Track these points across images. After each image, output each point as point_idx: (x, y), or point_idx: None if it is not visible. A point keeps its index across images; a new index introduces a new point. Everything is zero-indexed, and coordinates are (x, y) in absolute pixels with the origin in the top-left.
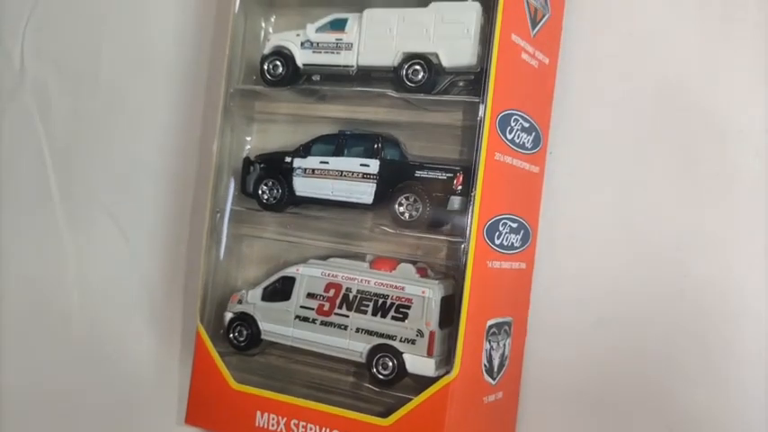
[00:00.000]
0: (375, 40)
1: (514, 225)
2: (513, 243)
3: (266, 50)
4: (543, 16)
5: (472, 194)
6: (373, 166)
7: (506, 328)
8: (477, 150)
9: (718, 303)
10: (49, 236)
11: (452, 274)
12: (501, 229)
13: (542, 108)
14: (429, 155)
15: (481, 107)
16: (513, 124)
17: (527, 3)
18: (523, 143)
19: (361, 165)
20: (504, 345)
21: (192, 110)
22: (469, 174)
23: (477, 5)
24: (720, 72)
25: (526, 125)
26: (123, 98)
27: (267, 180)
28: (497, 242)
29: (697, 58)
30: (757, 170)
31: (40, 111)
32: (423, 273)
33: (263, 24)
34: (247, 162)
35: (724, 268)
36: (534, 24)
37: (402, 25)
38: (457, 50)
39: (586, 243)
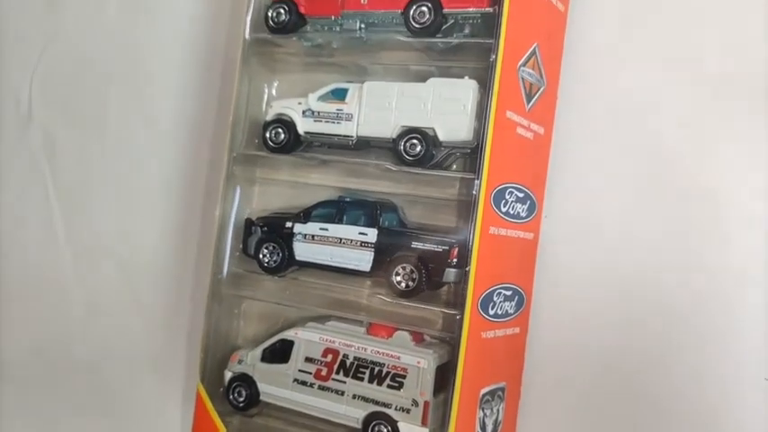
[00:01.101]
0: (374, 112)
1: (509, 293)
2: (507, 311)
3: (268, 117)
4: (538, 89)
5: (466, 270)
6: (371, 234)
7: (500, 393)
8: (471, 225)
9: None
10: (54, 280)
11: (447, 340)
12: (495, 299)
13: (537, 176)
14: (426, 222)
15: (476, 182)
16: (507, 197)
17: (522, 79)
18: (518, 213)
19: (360, 233)
20: (498, 410)
21: (196, 165)
22: (464, 247)
23: (474, 84)
24: (713, 142)
25: (521, 195)
26: (129, 148)
27: (268, 244)
28: (491, 312)
29: (690, 128)
30: (749, 240)
31: (47, 155)
32: (418, 339)
33: (266, 88)
34: (249, 223)
35: (714, 332)
36: (529, 99)
37: (401, 99)
38: (454, 126)
39: (580, 304)
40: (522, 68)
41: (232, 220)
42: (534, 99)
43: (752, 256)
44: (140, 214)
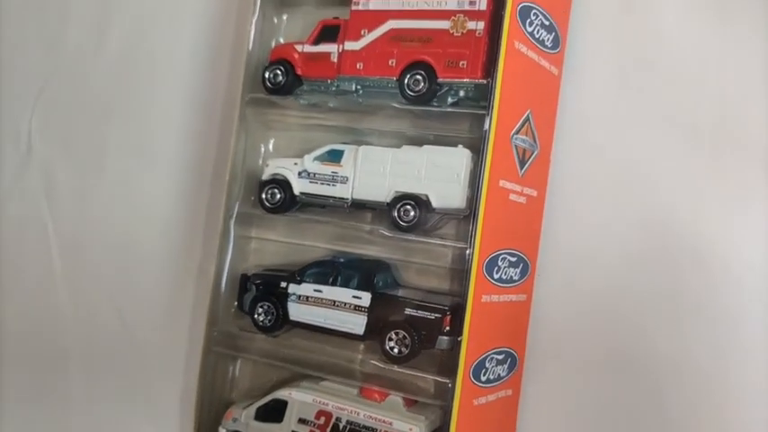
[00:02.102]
0: (369, 177)
1: (501, 356)
2: (499, 374)
3: (265, 176)
4: (532, 154)
5: (459, 339)
6: (365, 298)
7: None
8: (464, 294)
9: None
10: (51, 319)
11: (440, 404)
12: (488, 365)
13: (530, 238)
14: (420, 283)
15: (468, 252)
16: (500, 264)
17: (515, 147)
18: (510, 278)
19: (354, 296)
20: None
21: (194, 211)
22: (457, 314)
23: (467, 152)
24: (707, 205)
25: (513, 260)
26: (128, 186)
27: (263, 303)
28: (483, 378)
29: (684, 190)
30: (741, 304)
31: (47, 192)
32: (411, 403)
33: (263, 146)
34: (244, 279)
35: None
36: (522, 164)
37: (395, 165)
38: (447, 194)
39: (573, 365)
40: (515, 136)
41: (225, 275)
42: (527, 164)
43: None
44: (138, 256)
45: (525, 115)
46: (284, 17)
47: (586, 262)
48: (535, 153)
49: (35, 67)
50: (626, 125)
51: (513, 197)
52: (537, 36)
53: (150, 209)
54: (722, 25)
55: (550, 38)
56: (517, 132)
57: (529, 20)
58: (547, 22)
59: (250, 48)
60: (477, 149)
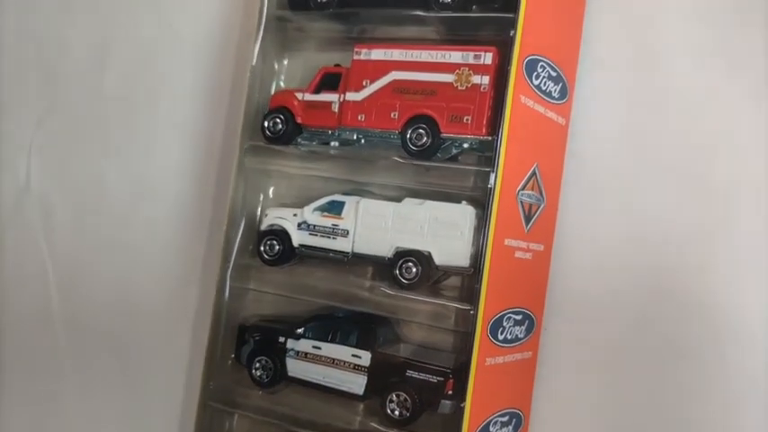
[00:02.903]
0: (370, 231)
1: (505, 419)
2: None
3: (263, 226)
4: (538, 208)
5: (462, 405)
6: (365, 358)
7: None
8: (467, 358)
9: None
10: (49, 361)
11: None
12: (491, 429)
13: (536, 293)
14: (423, 339)
15: (472, 313)
16: (505, 324)
17: (521, 203)
18: (516, 336)
19: (353, 355)
20: None
21: (192, 256)
22: (460, 378)
23: (471, 210)
24: (717, 262)
25: (518, 318)
26: (126, 226)
27: (261, 357)
28: None
29: (694, 241)
30: (751, 367)
31: (45, 229)
32: None
33: (262, 195)
34: (242, 330)
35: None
36: (528, 220)
37: (397, 220)
38: (450, 251)
39: (576, 427)
40: (521, 192)
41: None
42: (534, 219)
43: None
44: (136, 296)
45: (532, 170)
46: (285, 62)
47: (595, 316)
48: (542, 207)
49: (34, 99)
50: (635, 175)
51: (518, 254)
52: (544, 88)
53: (148, 249)
54: (732, 77)
55: (557, 89)
56: (523, 188)
57: (535, 73)
58: (554, 73)
59: (248, 95)
60: (482, 204)
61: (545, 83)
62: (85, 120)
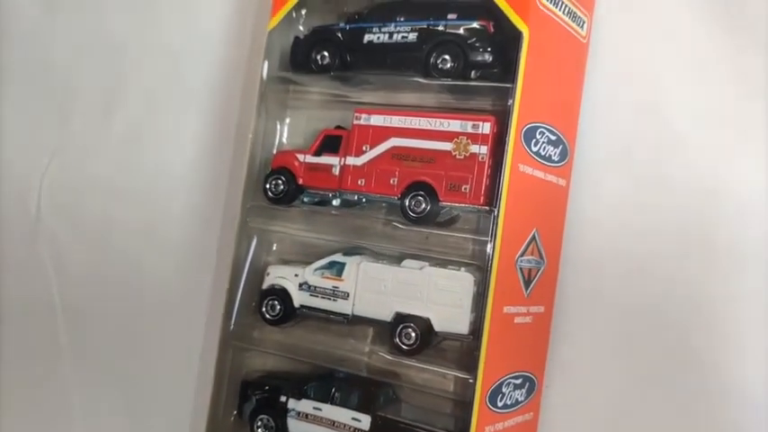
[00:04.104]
0: (370, 294)
1: None
2: None
3: (265, 285)
4: (538, 271)
5: None
6: (365, 421)
7: None
8: (466, 428)
9: None
10: (55, 398)
11: None
12: None
13: (537, 355)
14: (423, 403)
15: (470, 382)
16: (504, 390)
17: (520, 269)
18: (516, 400)
19: (353, 418)
20: None
21: (196, 299)
22: None
23: (470, 277)
24: (722, 323)
25: (518, 382)
26: (135, 265)
27: (262, 416)
28: None
29: (697, 305)
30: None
31: (54, 263)
32: None
33: (265, 255)
34: (245, 387)
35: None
36: (528, 284)
37: (396, 284)
38: (449, 318)
39: None
40: (520, 259)
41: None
42: (534, 282)
43: None
44: (143, 331)
45: (531, 235)
46: (287, 120)
47: (596, 378)
48: (542, 269)
49: (45, 139)
50: (638, 233)
51: (518, 320)
52: (543, 153)
53: (155, 290)
54: (735, 137)
55: (557, 152)
56: (522, 254)
57: (534, 140)
58: (554, 137)
59: (249, 159)
60: (481, 269)
61: (544, 148)
62: (94, 160)
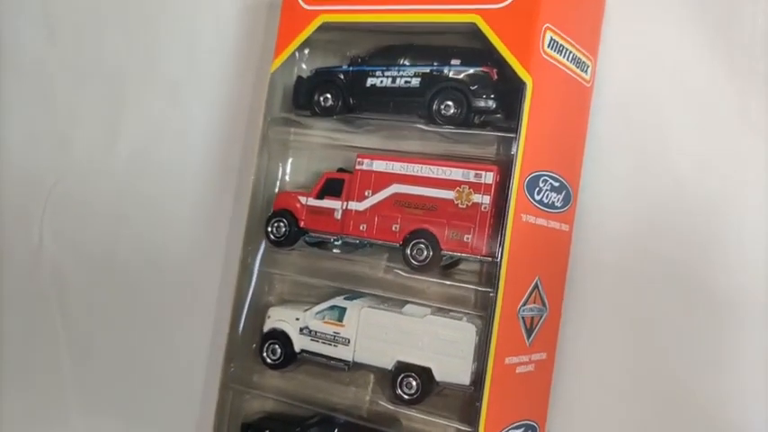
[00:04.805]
0: (371, 341)
1: None
2: None
3: (266, 328)
4: (540, 319)
5: None
6: None
7: None
8: None
9: None
10: (56, 428)
11: None
12: None
13: (539, 401)
14: None
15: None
16: None
17: (522, 319)
18: None
19: None
20: None
21: (199, 333)
22: None
23: (472, 328)
24: (726, 369)
25: (520, 431)
26: (139, 294)
27: None
28: None
29: (698, 352)
30: None
31: (57, 292)
32: None
33: (267, 293)
34: (245, 428)
35: None
36: (530, 333)
37: (397, 332)
38: (450, 368)
39: None
40: (522, 308)
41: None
42: (536, 330)
43: None
44: (146, 363)
45: (533, 284)
46: (289, 160)
47: (599, 423)
48: (544, 316)
49: (46, 165)
50: (639, 278)
51: (520, 369)
52: (546, 201)
53: (159, 318)
54: (737, 183)
55: (560, 197)
56: (525, 304)
57: (537, 188)
58: (557, 183)
59: (251, 200)
60: (483, 318)
61: (547, 195)
62: (97, 187)
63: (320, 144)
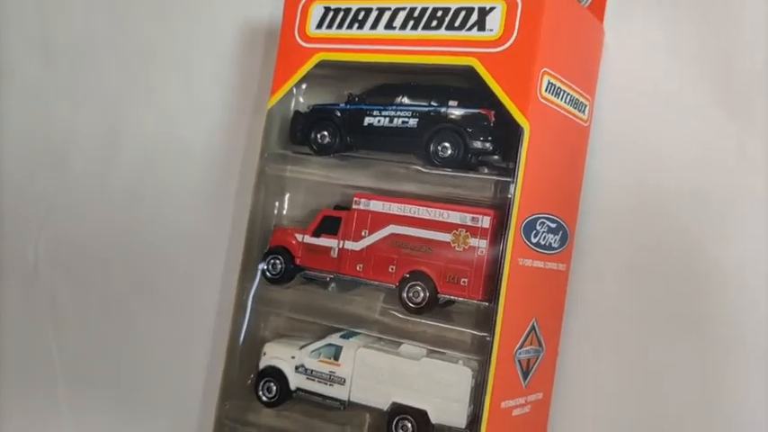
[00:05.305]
0: (366, 382)
1: None
2: None
3: (261, 366)
4: (537, 359)
5: None
6: None
7: None
8: None
9: None
10: None
11: None
12: None
13: None
14: None
15: None
16: None
17: (518, 362)
18: None
19: None
20: None
21: (196, 362)
22: None
23: (468, 371)
24: (719, 414)
25: None
26: (132, 321)
27: None
28: None
29: (695, 396)
30: None
31: (51, 314)
32: None
33: (263, 330)
34: None
35: None
36: (527, 375)
37: (393, 374)
38: (446, 411)
39: None
40: (519, 351)
41: None
42: (532, 371)
43: None
44: (141, 393)
45: (530, 325)
46: (286, 196)
47: None
48: (541, 356)
49: (43, 189)
50: (638, 317)
51: (516, 412)
52: (543, 243)
53: (152, 344)
54: (736, 222)
55: (557, 238)
56: (521, 346)
57: (534, 231)
58: (554, 225)
59: (247, 231)
60: (480, 362)
61: (544, 237)
62: (92, 211)
63: (317, 181)
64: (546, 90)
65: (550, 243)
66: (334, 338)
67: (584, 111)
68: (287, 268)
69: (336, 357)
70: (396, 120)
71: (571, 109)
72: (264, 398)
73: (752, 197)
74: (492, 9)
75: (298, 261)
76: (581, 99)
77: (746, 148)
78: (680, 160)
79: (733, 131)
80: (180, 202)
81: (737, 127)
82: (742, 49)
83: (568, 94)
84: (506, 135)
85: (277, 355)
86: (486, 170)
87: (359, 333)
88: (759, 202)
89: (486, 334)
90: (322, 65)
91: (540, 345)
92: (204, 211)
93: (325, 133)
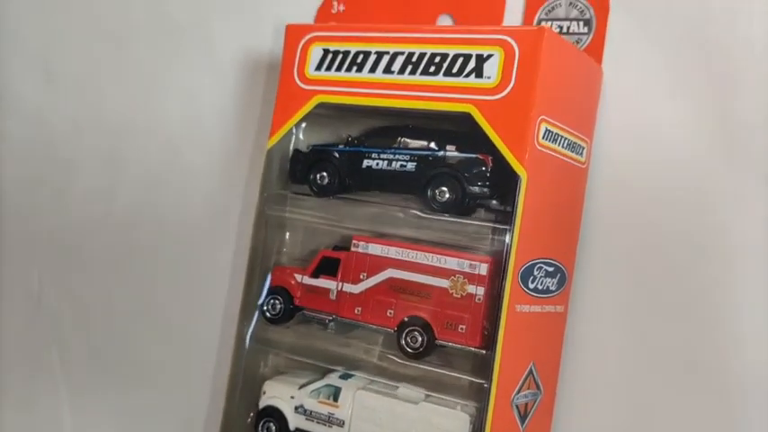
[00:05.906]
0: (365, 424)
1: None
2: None
3: (261, 405)
4: (534, 403)
5: None
6: None
7: None
8: None
9: None
10: None
11: None
12: None
13: None
14: None
15: None
16: None
17: (516, 407)
18: None
19: None
20: None
21: (197, 389)
22: None
23: (466, 417)
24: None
25: None
26: (135, 347)
27: None
28: None
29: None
30: None
31: (55, 340)
32: None
33: (262, 365)
34: None
35: None
36: (524, 420)
37: (391, 417)
38: None
39: None
40: (516, 397)
41: None
42: (530, 415)
43: None
44: (141, 422)
45: (528, 370)
46: (287, 234)
47: None
48: (538, 399)
49: (45, 213)
50: (635, 361)
51: None
52: (541, 288)
53: (156, 368)
54: (736, 265)
55: (555, 281)
56: (519, 391)
57: (531, 277)
58: (551, 269)
59: (247, 272)
60: (477, 408)
61: (542, 282)
62: (94, 237)
63: (316, 222)
64: (543, 137)
65: (548, 287)
66: (334, 379)
67: (581, 153)
68: (286, 308)
69: (335, 398)
70: (394, 163)
71: (569, 153)
72: None
73: (751, 240)
74: (490, 56)
75: (297, 301)
76: (579, 142)
77: (745, 189)
78: (678, 200)
79: (731, 172)
80: (182, 230)
81: (736, 167)
82: (741, 91)
83: (566, 138)
84: (504, 179)
85: (276, 394)
86: (483, 212)
87: (358, 374)
88: (759, 245)
89: (483, 381)
90: (321, 105)
91: (537, 387)
92: (205, 238)
93: (325, 174)
